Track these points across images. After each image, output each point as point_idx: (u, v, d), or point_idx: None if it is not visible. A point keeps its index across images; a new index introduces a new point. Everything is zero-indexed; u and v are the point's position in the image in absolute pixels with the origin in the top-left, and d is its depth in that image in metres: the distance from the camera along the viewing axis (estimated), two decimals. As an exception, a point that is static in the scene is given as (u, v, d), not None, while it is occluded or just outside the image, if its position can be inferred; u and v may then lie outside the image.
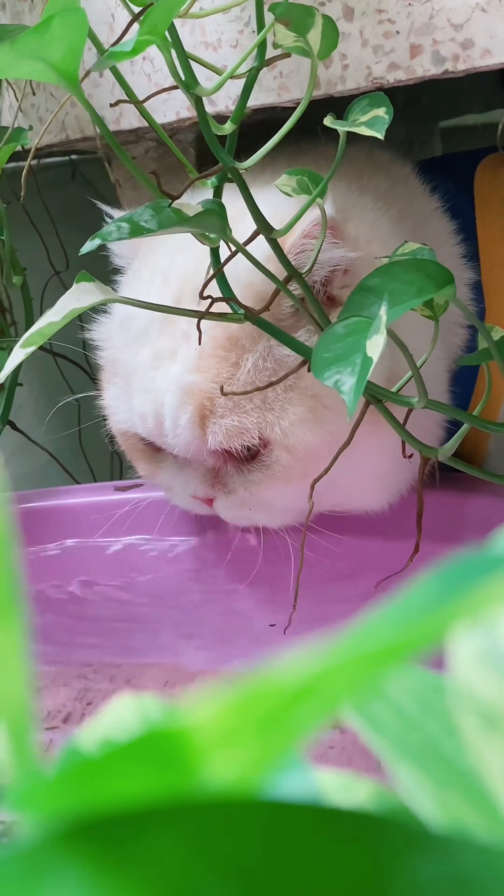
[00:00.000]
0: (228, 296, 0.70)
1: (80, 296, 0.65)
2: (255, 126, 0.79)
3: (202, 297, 0.69)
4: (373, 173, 0.88)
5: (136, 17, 0.65)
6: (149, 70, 0.82)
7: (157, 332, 0.77)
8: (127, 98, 0.66)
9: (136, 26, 0.64)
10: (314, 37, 0.64)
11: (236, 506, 0.80)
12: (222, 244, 0.68)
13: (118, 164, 0.95)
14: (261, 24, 0.65)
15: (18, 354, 0.63)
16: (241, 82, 0.66)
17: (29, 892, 0.14)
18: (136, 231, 0.63)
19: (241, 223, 0.69)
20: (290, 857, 0.15)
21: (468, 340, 0.88)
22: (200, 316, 0.69)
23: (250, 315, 0.70)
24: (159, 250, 0.81)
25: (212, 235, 0.66)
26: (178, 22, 0.65)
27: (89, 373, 1.06)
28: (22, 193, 0.86)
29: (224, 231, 0.65)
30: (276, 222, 0.67)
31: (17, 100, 0.90)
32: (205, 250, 0.69)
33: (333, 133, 0.65)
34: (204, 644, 0.84)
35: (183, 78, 0.64)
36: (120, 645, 0.84)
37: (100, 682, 0.76)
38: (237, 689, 0.14)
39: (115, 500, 0.92)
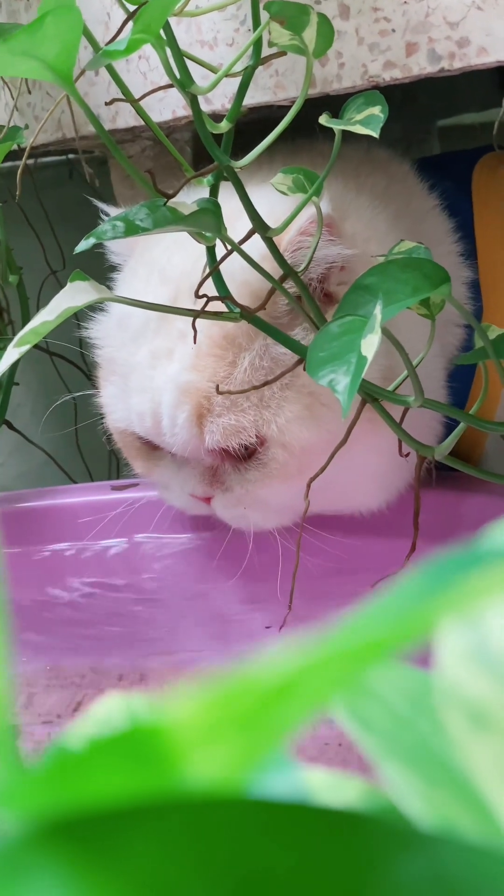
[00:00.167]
0: (224, 294, 0.70)
1: (74, 294, 0.65)
2: (252, 125, 0.79)
3: (198, 296, 0.68)
4: (370, 171, 0.88)
5: (130, 16, 0.65)
6: (145, 68, 0.82)
7: (154, 330, 0.77)
8: (123, 97, 0.66)
9: (131, 25, 0.64)
10: (309, 35, 0.64)
11: (233, 504, 0.79)
12: (218, 242, 0.68)
13: (114, 163, 0.94)
14: (256, 23, 0.65)
15: (12, 353, 0.63)
16: (236, 81, 0.66)
17: (9, 890, 0.14)
18: (132, 230, 0.63)
19: (237, 222, 0.68)
20: (272, 855, 0.15)
21: (465, 339, 0.88)
22: (196, 315, 0.69)
23: (246, 314, 0.70)
24: (156, 248, 0.81)
25: (207, 234, 0.66)
26: (173, 20, 0.65)
27: (86, 372, 1.06)
28: (17, 192, 0.86)
29: (219, 230, 0.65)
30: (273, 221, 0.67)
31: (13, 98, 0.89)
32: (201, 248, 0.69)
33: (330, 131, 0.65)
34: (199, 644, 0.84)
35: (178, 76, 0.64)
36: (115, 645, 0.84)
37: (94, 683, 0.76)
38: (216, 686, 0.14)
39: (112, 499, 0.92)
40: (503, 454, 0.94)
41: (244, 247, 0.68)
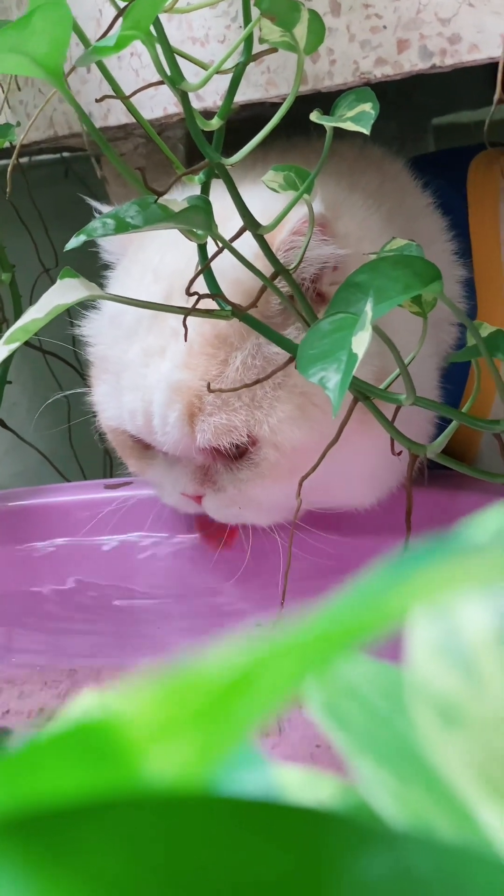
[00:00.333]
0: (216, 292, 0.70)
1: (64, 292, 0.65)
2: (245, 123, 0.78)
3: (189, 294, 0.68)
4: (364, 169, 0.87)
5: (121, 12, 0.65)
6: (136, 65, 0.82)
7: (147, 328, 0.77)
8: (114, 94, 0.66)
9: (121, 21, 0.64)
10: (300, 32, 0.64)
11: (225, 503, 0.79)
12: (211, 241, 0.67)
13: (106, 161, 0.94)
14: (247, 19, 0.64)
15: (2, 351, 0.62)
16: (228, 78, 0.65)
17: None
18: (122, 227, 0.63)
19: (230, 220, 0.68)
20: (232, 853, 0.14)
21: (459, 338, 0.88)
22: (187, 313, 0.68)
23: (237, 312, 0.69)
24: (150, 246, 0.81)
25: (198, 232, 0.66)
26: (164, 17, 0.65)
27: (79, 370, 1.06)
28: (8, 189, 0.85)
29: (210, 227, 0.65)
30: (266, 219, 0.67)
31: (4, 95, 0.89)
32: (195, 247, 0.69)
33: (324, 128, 0.64)
34: (190, 642, 0.84)
35: (168, 73, 0.64)
36: (106, 643, 0.84)
37: (86, 681, 0.76)
38: (168, 679, 0.14)
39: (105, 498, 0.92)
40: (498, 452, 0.93)
41: (237, 245, 0.67)
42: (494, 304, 0.91)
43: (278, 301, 0.72)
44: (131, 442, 0.83)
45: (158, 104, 0.82)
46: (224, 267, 0.70)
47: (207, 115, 0.67)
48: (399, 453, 0.73)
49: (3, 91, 0.89)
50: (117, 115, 0.85)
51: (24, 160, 0.90)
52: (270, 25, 0.64)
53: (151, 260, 0.80)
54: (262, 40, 0.64)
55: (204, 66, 0.68)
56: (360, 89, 0.65)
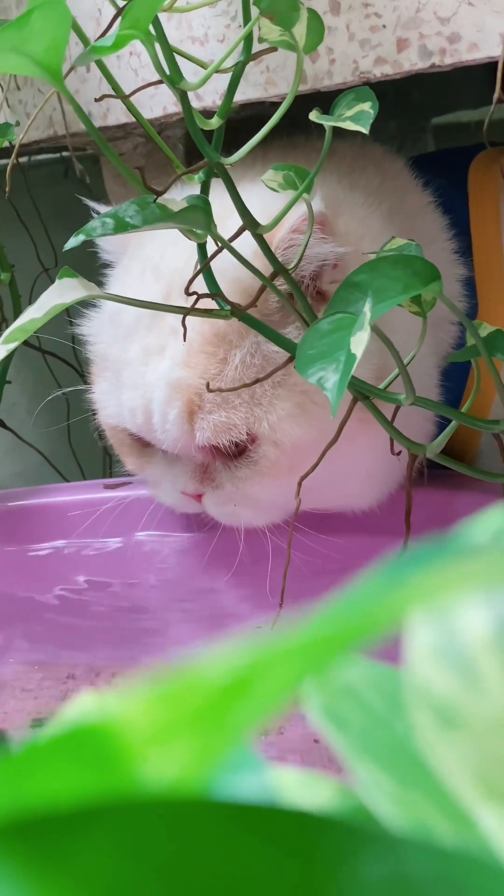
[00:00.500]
0: (215, 292, 0.70)
1: (62, 292, 0.64)
2: (245, 122, 0.78)
3: (188, 294, 0.68)
4: (364, 168, 0.87)
5: (119, 12, 0.65)
6: (136, 65, 0.82)
7: (147, 327, 0.77)
8: (113, 93, 0.66)
9: (120, 20, 0.64)
10: (299, 31, 0.64)
11: (224, 501, 0.79)
12: (210, 240, 0.67)
13: (106, 161, 0.94)
14: (247, 19, 0.64)
15: (0, 351, 0.62)
16: (227, 77, 0.65)
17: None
18: (121, 227, 0.63)
19: (229, 219, 0.68)
20: (229, 856, 0.14)
21: (459, 337, 0.88)
22: (186, 312, 0.68)
23: (237, 311, 0.69)
24: (149, 245, 0.81)
25: (198, 231, 0.66)
26: (164, 16, 0.65)
27: (79, 369, 1.06)
28: (7, 189, 0.85)
29: (209, 226, 0.65)
30: (265, 218, 0.67)
31: (3, 94, 0.89)
32: (194, 245, 0.69)
33: (324, 127, 0.64)
34: (189, 643, 0.84)
35: (168, 72, 0.64)
36: (105, 643, 0.84)
37: (84, 682, 0.76)
38: (166, 682, 0.14)
39: (104, 497, 0.92)
40: (497, 452, 0.93)
41: (236, 244, 0.67)
42: (495, 302, 0.90)
43: (277, 299, 0.72)
44: (130, 440, 0.83)
45: (158, 103, 0.81)
46: (223, 266, 0.70)
47: (207, 114, 0.67)
48: (398, 453, 0.73)
49: (3, 90, 0.89)
50: (117, 114, 0.85)
51: (23, 160, 0.90)
52: (270, 24, 0.64)
53: (152, 258, 0.80)
54: (261, 39, 0.64)
55: (203, 66, 0.68)
56: (360, 88, 0.65)
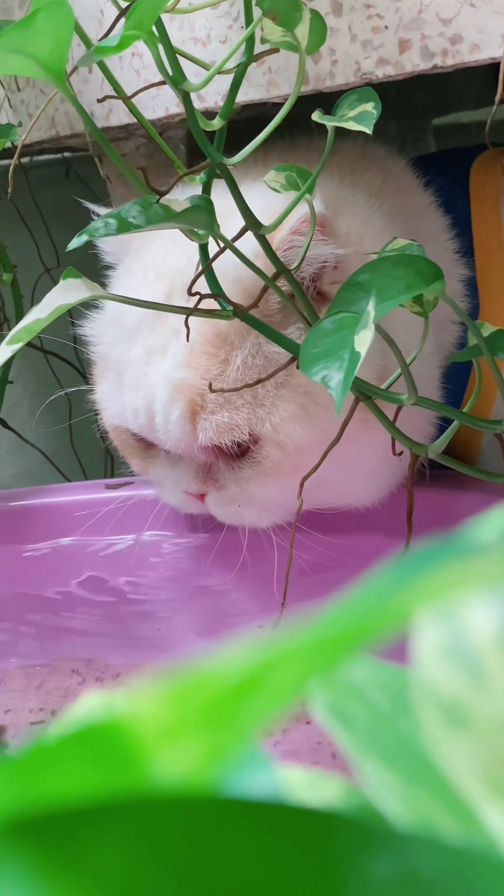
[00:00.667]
0: (217, 292, 0.70)
1: (66, 292, 0.65)
2: (247, 123, 0.79)
3: (190, 294, 0.68)
4: (366, 168, 0.88)
5: (123, 13, 0.65)
6: (138, 66, 0.82)
7: (149, 327, 0.77)
8: (116, 94, 0.66)
9: (123, 21, 0.64)
10: (302, 32, 0.64)
11: (227, 502, 0.79)
12: (212, 240, 0.67)
13: (108, 161, 0.94)
14: (249, 19, 0.64)
15: (5, 351, 0.63)
16: (229, 78, 0.65)
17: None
18: (124, 227, 0.63)
19: (230, 219, 0.68)
20: (239, 854, 0.14)
21: (461, 337, 0.88)
22: (188, 313, 0.69)
23: (239, 312, 0.69)
24: (152, 245, 0.81)
25: (200, 231, 0.66)
26: (166, 17, 0.65)
27: (81, 370, 1.06)
28: (9, 190, 0.85)
29: (212, 227, 0.65)
30: (267, 218, 0.67)
31: (6, 95, 0.89)
32: (196, 246, 0.69)
33: (326, 128, 0.64)
34: (191, 645, 0.84)
35: (170, 73, 0.64)
36: (107, 643, 0.84)
37: (87, 682, 0.76)
38: (177, 680, 0.14)
39: (106, 498, 0.92)
40: (499, 452, 0.93)
41: (237, 245, 0.67)
42: (496, 302, 0.91)
43: (278, 300, 0.72)
44: (133, 440, 0.83)
45: (160, 104, 0.82)
46: (224, 267, 0.70)
47: (209, 115, 0.67)
48: (400, 453, 0.73)
49: (4, 91, 0.89)
50: (119, 115, 0.85)
51: (25, 160, 0.90)
52: (272, 25, 0.64)
53: (154, 258, 0.80)
54: (263, 40, 0.64)
55: (206, 67, 0.68)
56: (362, 89, 0.65)
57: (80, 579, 0.91)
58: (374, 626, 0.15)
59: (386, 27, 0.69)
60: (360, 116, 0.64)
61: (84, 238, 0.63)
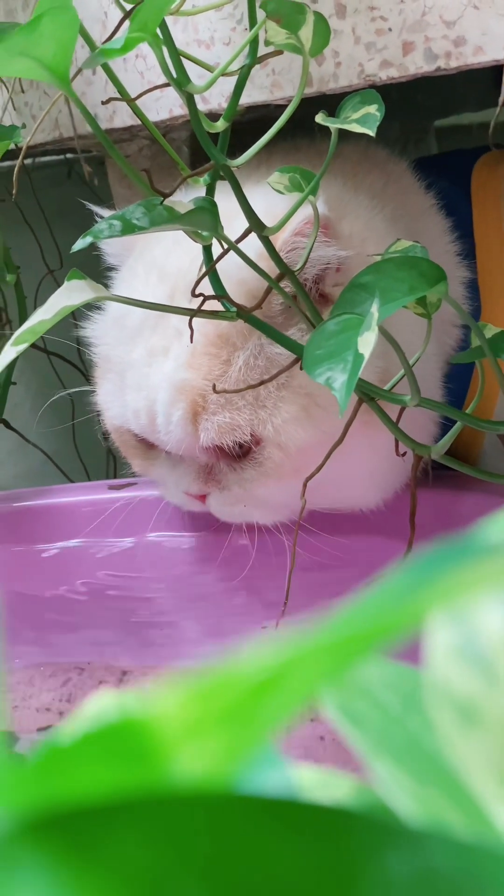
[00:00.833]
0: (221, 294, 0.70)
1: (70, 293, 0.65)
2: (250, 124, 0.79)
3: (194, 295, 0.68)
4: (368, 171, 0.88)
5: (127, 15, 0.65)
6: (142, 68, 0.82)
7: (151, 328, 0.77)
8: (119, 96, 0.66)
9: (127, 23, 0.64)
10: (305, 34, 0.64)
11: (229, 502, 0.80)
12: (215, 241, 0.68)
13: (112, 163, 0.94)
14: (253, 22, 0.65)
15: (10, 352, 0.63)
16: (233, 80, 0.66)
17: (-8, 885, 0.14)
18: (128, 229, 0.63)
19: (233, 221, 0.68)
20: (259, 851, 0.15)
21: (462, 339, 0.88)
22: (192, 314, 0.69)
23: (242, 313, 0.70)
24: (156, 247, 0.81)
25: (204, 233, 0.66)
26: (170, 19, 0.65)
27: (83, 371, 1.06)
28: (14, 191, 0.86)
29: (216, 229, 0.65)
30: (270, 220, 0.67)
31: (9, 97, 0.89)
32: (199, 246, 0.69)
33: (329, 130, 0.65)
34: (196, 644, 0.84)
35: (174, 75, 0.64)
36: (111, 643, 0.84)
37: (90, 682, 0.76)
38: (200, 680, 0.14)
39: (109, 498, 0.92)
40: (501, 453, 0.94)
41: (240, 246, 0.67)
42: (498, 305, 0.91)
43: (280, 301, 0.73)
44: (135, 441, 0.83)
45: (164, 106, 0.82)
46: (227, 268, 0.70)
47: (212, 116, 0.67)
48: (404, 454, 0.73)
49: (8, 92, 0.89)
50: (122, 116, 0.85)
51: (27, 161, 0.90)
52: (276, 28, 0.64)
53: (156, 259, 0.80)
54: (267, 42, 0.64)
55: (209, 69, 0.68)
56: (366, 91, 0.65)
57: (84, 580, 0.91)
58: (390, 627, 0.15)
59: (389, 29, 0.70)
60: (363, 119, 0.64)
61: (88, 240, 0.63)
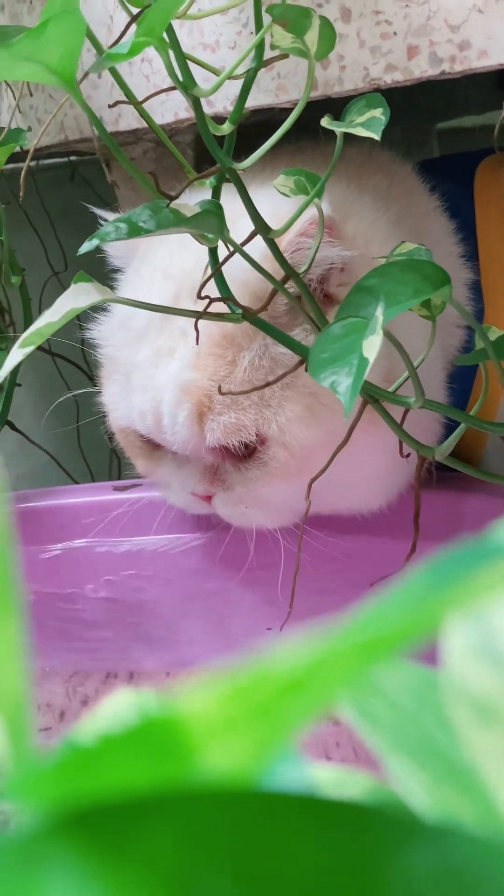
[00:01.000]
0: (226, 295, 0.70)
1: (78, 296, 0.65)
2: (254, 127, 0.79)
3: (200, 297, 0.69)
4: (372, 173, 0.88)
5: (134, 19, 0.65)
6: (147, 71, 0.82)
7: (157, 330, 0.78)
8: (126, 99, 0.67)
9: (134, 27, 0.65)
10: (311, 38, 0.65)
11: (234, 503, 0.80)
12: (220, 243, 0.68)
13: (116, 165, 0.95)
14: (259, 26, 0.65)
15: (17, 354, 0.63)
16: (239, 83, 0.66)
17: (28, 878, 0.14)
18: (135, 231, 0.63)
19: (237, 223, 0.69)
20: (285, 847, 0.15)
21: (465, 341, 0.89)
22: (199, 316, 0.69)
23: (248, 314, 0.70)
24: (160, 249, 0.81)
25: (210, 235, 0.67)
26: (176, 23, 0.66)
27: (88, 372, 1.06)
28: (21, 194, 0.86)
29: (222, 231, 0.65)
30: (275, 222, 0.68)
31: (15, 100, 0.90)
32: (204, 248, 0.70)
33: (332, 133, 0.65)
34: (199, 643, 0.85)
35: (181, 79, 0.64)
36: (114, 643, 0.85)
37: (93, 682, 0.76)
38: (234, 678, 0.14)
39: (114, 499, 0.92)
40: (504, 455, 0.94)
41: (245, 247, 0.68)
42: (501, 307, 0.91)
43: (285, 302, 0.73)
44: (140, 442, 0.83)
45: (169, 109, 0.82)
46: (232, 270, 0.71)
47: (218, 119, 0.67)
48: (407, 455, 0.74)
49: (15, 96, 0.89)
50: (128, 119, 0.86)
51: (31, 164, 0.90)
52: (282, 32, 0.64)
53: (161, 261, 0.80)
54: (273, 46, 0.64)
55: (215, 72, 0.68)
56: (371, 95, 0.65)
57: (88, 581, 0.91)
58: (414, 629, 0.16)
59: (394, 33, 0.70)
60: (368, 122, 0.65)
61: (95, 242, 0.63)
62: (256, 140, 0.65)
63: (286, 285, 0.70)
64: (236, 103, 0.66)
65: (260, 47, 0.65)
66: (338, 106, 0.67)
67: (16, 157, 0.90)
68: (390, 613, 0.16)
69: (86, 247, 0.64)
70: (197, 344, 0.72)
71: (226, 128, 0.66)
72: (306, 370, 0.67)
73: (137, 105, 0.66)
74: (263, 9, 0.64)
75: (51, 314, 0.63)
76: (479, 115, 1.32)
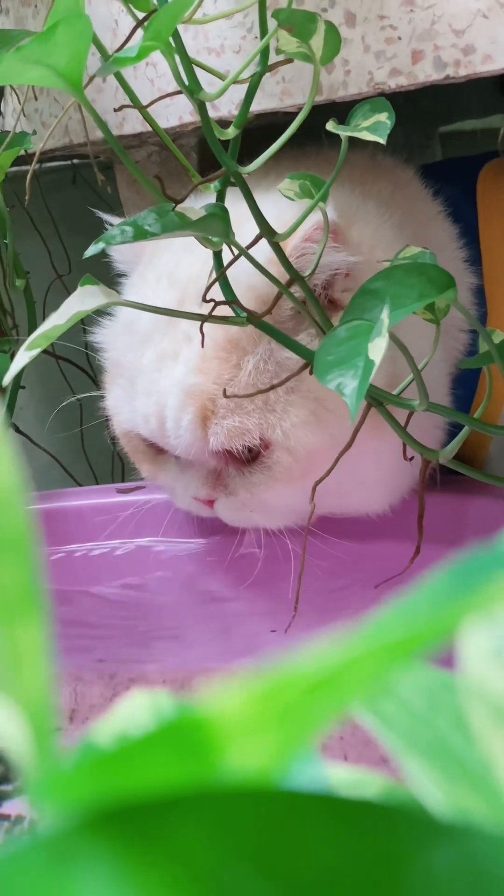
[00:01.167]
0: (231, 299, 0.70)
1: (84, 299, 0.65)
2: (258, 131, 0.79)
3: (205, 301, 0.69)
4: (375, 178, 0.88)
5: (140, 23, 0.66)
6: (152, 75, 0.83)
7: (161, 334, 0.78)
8: (130, 103, 0.67)
9: (139, 32, 0.65)
10: (316, 42, 0.65)
11: (237, 507, 0.80)
12: (225, 247, 0.68)
13: (121, 169, 0.95)
14: (264, 30, 0.65)
15: (23, 357, 0.63)
16: (243, 87, 0.66)
17: (59, 877, 0.14)
18: (140, 234, 0.63)
19: (241, 227, 0.69)
20: (311, 845, 0.15)
21: (469, 344, 0.89)
22: (204, 320, 0.69)
23: (253, 318, 0.70)
24: (165, 253, 0.81)
25: (215, 239, 0.67)
26: (181, 27, 0.66)
27: (91, 375, 1.07)
28: (26, 198, 0.86)
29: (227, 235, 0.66)
30: (280, 226, 0.68)
31: (20, 104, 0.90)
32: (208, 252, 0.70)
33: (336, 137, 0.65)
34: (203, 648, 0.85)
35: (186, 83, 0.65)
36: (117, 646, 0.85)
37: (97, 685, 0.76)
38: (262, 679, 0.15)
39: (117, 502, 0.92)
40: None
41: (250, 251, 0.68)
42: (503, 310, 0.91)
43: (290, 306, 0.73)
44: (144, 446, 0.84)
45: (174, 113, 0.82)
46: (237, 274, 0.71)
47: (222, 123, 0.68)
48: (411, 458, 0.74)
49: (20, 100, 0.90)
50: (133, 123, 0.86)
51: (35, 166, 0.91)
52: (287, 36, 0.64)
53: (167, 265, 0.81)
54: (278, 51, 0.65)
55: (220, 77, 0.69)
56: (376, 99, 0.66)
57: (92, 583, 0.91)
58: (435, 632, 0.16)
59: (399, 38, 0.70)
60: (373, 127, 0.65)
61: (101, 246, 0.64)
62: (259, 143, 0.66)
63: (290, 290, 0.70)
64: (241, 107, 0.66)
65: (265, 52, 0.65)
66: (342, 110, 0.67)
67: (19, 161, 0.90)
68: (412, 617, 0.16)
69: (92, 250, 0.64)
70: (202, 347, 0.72)
71: (231, 132, 0.66)
72: (311, 374, 0.67)
73: (142, 109, 0.67)
74: (268, 13, 0.64)
75: (57, 317, 0.64)
76: (482, 118, 1.32)
